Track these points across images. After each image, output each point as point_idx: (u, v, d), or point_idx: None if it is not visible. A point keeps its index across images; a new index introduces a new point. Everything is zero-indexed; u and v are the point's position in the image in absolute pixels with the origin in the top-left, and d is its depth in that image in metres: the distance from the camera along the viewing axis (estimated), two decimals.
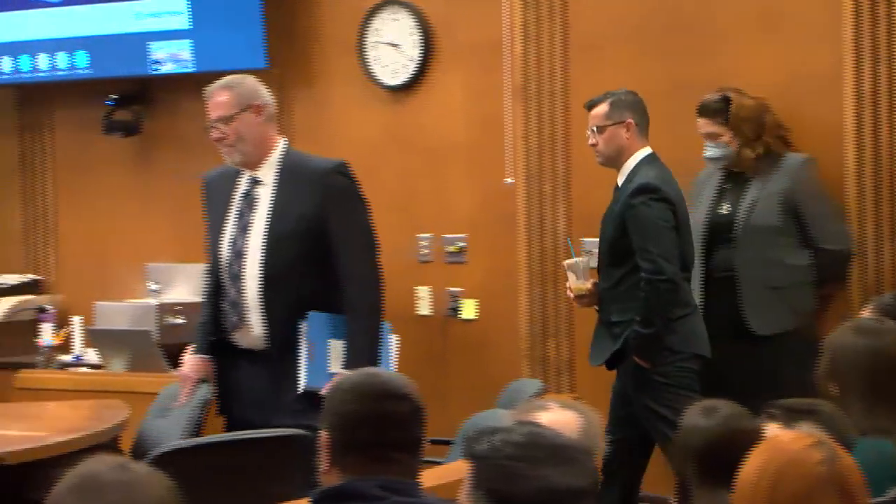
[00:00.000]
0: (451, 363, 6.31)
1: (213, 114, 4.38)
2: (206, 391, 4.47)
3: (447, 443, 4.70)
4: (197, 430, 4.60)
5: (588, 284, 4.97)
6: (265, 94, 4.42)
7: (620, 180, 4.97)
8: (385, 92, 6.45)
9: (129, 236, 7.07)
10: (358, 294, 4.27)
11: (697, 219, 5.21)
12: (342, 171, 4.42)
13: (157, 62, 6.75)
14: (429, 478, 2.88)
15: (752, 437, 2.63)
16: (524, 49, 6.07)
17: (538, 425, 2.22)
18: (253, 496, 3.78)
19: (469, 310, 6.28)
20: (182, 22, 6.68)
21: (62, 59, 6.98)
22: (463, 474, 2.09)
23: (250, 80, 4.47)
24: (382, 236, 6.37)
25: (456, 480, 3.33)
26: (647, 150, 4.96)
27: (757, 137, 5.24)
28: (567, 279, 5.02)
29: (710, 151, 5.27)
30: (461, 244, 6.31)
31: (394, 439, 2.50)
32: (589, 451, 2.14)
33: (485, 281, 6.26)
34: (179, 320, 6.30)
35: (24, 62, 7.06)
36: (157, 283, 6.69)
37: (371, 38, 6.46)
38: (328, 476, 2.51)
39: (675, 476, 2.95)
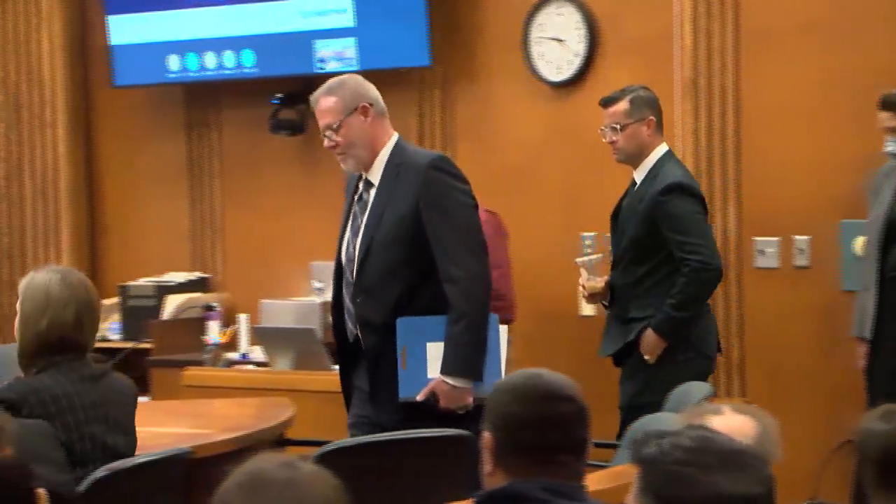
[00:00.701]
0: None
1: (322, 122, 4.30)
2: None
3: (612, 446, 4.61)
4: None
5: (601, 283, 4.99)
6: (370, 92, 4.30)
7: (639, 177, 4.97)
8: (549, 88, 6.37)
9: (294, 235, 7.11)
10: (457, 295, 4.10)
11: (875, 216, 5.03)
12: (437, 166, 4.22)
13: (322, 60, 6.77)
14: (594, 481, 2.82)
15: None
16: (694, 42, 5.93)
17: (709, 429, 2.13)
18: (416, 496, 3.75)
19: None
20: (347, 20, 6.69)
21: (229, 58, 7.05)
22: (629, 478, 2.04)
23: (353, 81, 4.36)
24: (544, 235, 6.35)
25: (622, 484, 3.25)
26: (665, 147, 4.99)
27: None
28: (580, 276, 5.09)
29: (892, 146, 5.09)
30: None
31: (558, 441, 2.46)
32: (763, 458, 2.05)
33: None
34: None
35: (192, 61, 7.15)
36: (321, 281, 6.71)
37: (535, 33, 6.38)
38: (492, 478, 2.48)
39: (851, 482, 2.83)
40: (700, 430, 2.10)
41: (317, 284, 6.74)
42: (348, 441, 3.86)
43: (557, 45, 6.33)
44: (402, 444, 3.89)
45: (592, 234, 6.26)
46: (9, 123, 7.56)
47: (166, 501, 3.58)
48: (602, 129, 5.05)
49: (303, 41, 6.79)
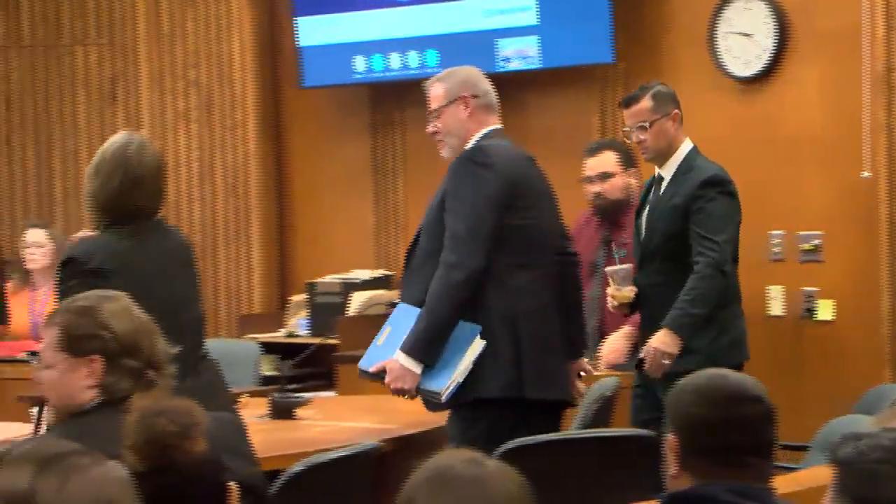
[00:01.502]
0: (805, 366, 6.06)
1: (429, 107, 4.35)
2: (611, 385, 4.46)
3: (801, 448, 4.51)
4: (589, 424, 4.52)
5: (631, 293, 4.75)
6: (479, 85, 4.31)
7: (668, 174, 4.76)
8: (736, 83, 6.26)
9: None
10: (433, 284, 4.07)
11: None
12: (464, 155, 4.19)
13: (504, 59, 6.77)
14: (782, 484, 2.78)
15: None
16: (886, 34, 5.76)
17: None
18: (597, 496, 3.72)
19: (826, 311, 6.01)
20: (530, 18, 6.68)
21: (413, 58, 7.10)
22: (819, 481, 2.01)
23: (464, 72, 4.40)
24: None
25: (812, 487, 3.19)
26: (690, 142, 4.83)
27: None
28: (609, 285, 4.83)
29: None
30: (816, 241, 6.05)
31: (745, 443, 2.43)
32: None
33: (842, 281, 5.98)
34: None
35: (377, 62, 7.22)
36: None
37: (722, 28, 6.28)
38: (676, 480, 2.45)
39: None
40: None
41: None
42: (530, 439, 3.85)
43: (745, 39, 6.21)
44: (583, 442, 3.87)
45: (780, 232, 6.14)
46: (201, 123, 7.75)
47: (357, 496, 3.62)
48: (626, 130, 4.86)
49: (486, 40, 6.80)
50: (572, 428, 4.41)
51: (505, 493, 1.84)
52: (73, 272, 3.76)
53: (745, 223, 6.14)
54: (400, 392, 4.08)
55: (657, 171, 4.86)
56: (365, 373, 4.16)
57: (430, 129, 4.33)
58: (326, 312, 7.00)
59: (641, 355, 4.53)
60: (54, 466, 1.82)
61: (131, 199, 3.88)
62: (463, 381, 4.01)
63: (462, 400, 4.03)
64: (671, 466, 2.45)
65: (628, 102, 4.86)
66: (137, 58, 7.79)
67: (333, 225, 7.61)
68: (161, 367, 2.84)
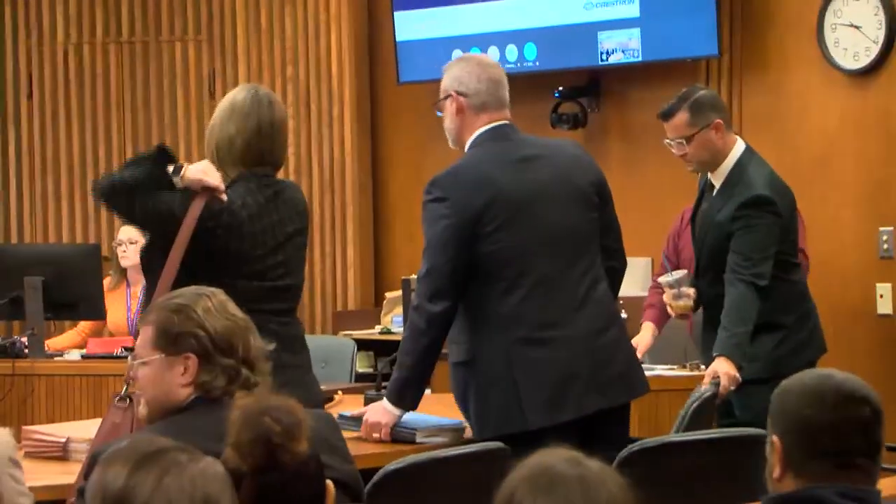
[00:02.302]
0: None
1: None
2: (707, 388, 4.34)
3: None
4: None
5: (690, 302, 4.60)
6: (467, 82, 4.01)
7: (718, 181, 4.54)
8: (845, 77, 6.09)
9: None
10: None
11: None
12: (425, 189, 4.00)
13: (606, 52, 6.66)
14: (889, 486, 2.75)
15: None
16: None
17: None
18: (705, 497, 3.63)
19: None
20: (632, 10, 6.56)
21: (511, 52, 7.02)
22: None
23: (454, 66, 4.13)
24: (840, 228, 6.08)
25: None
26: (740, 144, 4.56)
27: None
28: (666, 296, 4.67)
29: None
30: None
31: (857, 445, 2.37)
32: None
33: None
34: (622, 315, 6.15)
35: None
36: None
37: (830, 20, 6.11)
38: (780, 483, 2.39)
39: None
40: None
41: None
42: (648, 441, 3.75)
43: (854, 31, 6.04)
44: (695, 444, 3.80)
45: (890, 228, 5.97)
46: (298, 120, 7.74)
47: (454, 495, 3.54)
48: (667, 143, 4.65)
49: (586, 33, 6.69)
50: (672, 431, 4.31)
51: (608, 494, 1.83)
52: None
53: (855, 219, 6.00)
54: (375, 427, 3.93)
55: (709, 175, 4.66)
56: (344, 418, 4.03)
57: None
58: None
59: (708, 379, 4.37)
60: (151, 463, 1.86)
61: (270, 142, 3.81)
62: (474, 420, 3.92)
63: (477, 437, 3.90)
64: (775, 469, 2.40)
65: (665, 116, 4.63)
66: (236, 54, 7.81)
67: None
68: (256, 366, 2.83)
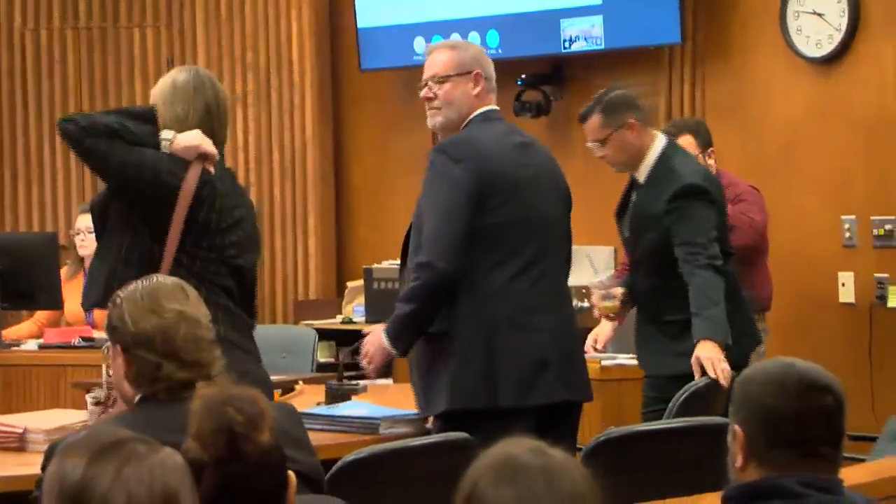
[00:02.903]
0: (876, 354, 5.88)
1: (427, 73, 4.09)
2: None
3: (871, 439, 4.38)
4: None
5: (617, 303, 4.60)
6: (488, 67, 4.05)
7: (642, 177, 4.52)
8: (808, 64, 6.08)
9: None
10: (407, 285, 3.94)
11: None
12: (441, 147, 3.98)
13: (568, 40, 6.63)
14: (851, 475, 2.73)
15: None
16: None
17: None
18: (671, 485, 3.61)
19: None
20: None
21: (473, 39, 6.95)
22: (890, 472, 1.89)
23: (476, 49, 4.19)
24: (803, 217, 6.08)
25: (882, 479, 3.09)
26: (660, 139, 4.53)
27: None
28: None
29: None
30: (889, 227, 5.89)
31: (821, 434, 2.36)
32: None
33: None
34: (584, 304, 6.15)
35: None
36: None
37: (794, 7, 6.11)
38: (742, 472, 2.38)
39: None
40: None
41: None
42: (614, 431, 3.74)
43: (817, 19, 6.04)
44: (660, 434, 3.81)
45: (853, 217, 5.97)
46: (258, 107, 7.68)
47: (412, 485, 3.52)
48: (588, 146, 4.65)
49: (549, 20, 6.67)
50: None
51: (571, 483, 1.82)
52: None
53: (818, 207, 6.00)
54: (371, 358, 3.96)
55: (631, 174, 4.64)
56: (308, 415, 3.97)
57: (425, 93, 4.06)
58: (383, 298, 6.90)
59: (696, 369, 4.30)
60: (110, 454, 1.85)
61: (219, 123, 3.77)
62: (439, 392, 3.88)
63: (434, 411, 3.89)
64: (737, 458, 2.39)
65: (581, 119, 4.63)
66: (195, 40, 7.75)
67: (392, 210, 7.52)
68: (186, 363, 2.77)
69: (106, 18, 7.77)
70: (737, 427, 2.38)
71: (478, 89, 4.02)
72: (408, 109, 7.50)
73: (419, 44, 7.16)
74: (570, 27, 6.62)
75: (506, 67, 6.88)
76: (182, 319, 2.78)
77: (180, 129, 3.73)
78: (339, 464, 3.30)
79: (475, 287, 3.86)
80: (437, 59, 4.07)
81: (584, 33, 6.58)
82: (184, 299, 2.82)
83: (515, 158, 3.98)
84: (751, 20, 6.28)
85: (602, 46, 6.53)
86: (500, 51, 6.91)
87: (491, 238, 3.88)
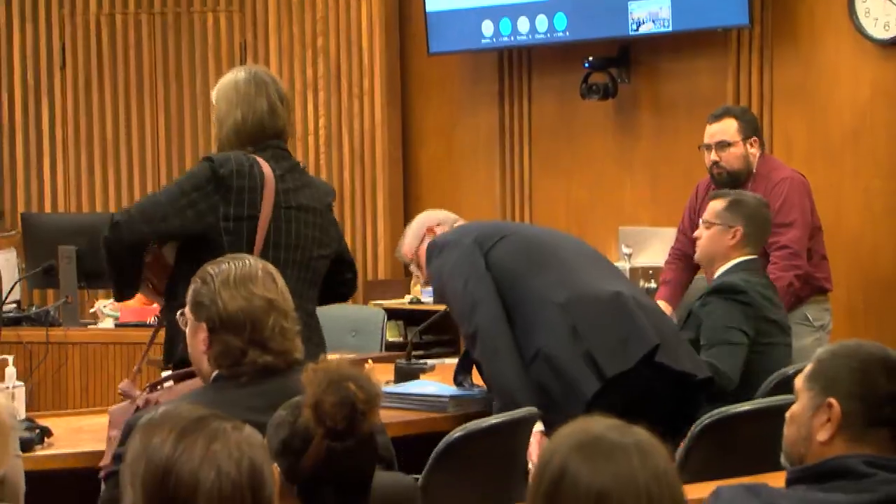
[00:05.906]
0: None
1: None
2: None
3: None
4: None
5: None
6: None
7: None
8: (876, 47, 6.04)
9: (604, 199, 7.03)
10: None
11: None
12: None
13: (636, 22, 6.64)
14: None
15: None
16: None
17: None
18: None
19: None
20: None
21: (541, 22, 7.00)
22: None
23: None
24: (869, 201, 6.05)
25: None
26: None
27: None
28: None
29: None
30: None
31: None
32: None
33: None
34: (651, 284, 6.17)
35: (505, 26, 7.13)
36: (629, 246, 6.60)
37: None
38: (827, 446, 2.37)
39: None
40: None
41: (625, 249, 6.64)
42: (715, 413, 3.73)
43: (884, 1, 5.99)
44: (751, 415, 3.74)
45: None
46: (328, 92, 7.75)
47: (488, 465, 3.55)
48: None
49: (616, 3, 6.66)
50: None
51: (664, 461, 1.81)
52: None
53: (884, 191, 5.96)
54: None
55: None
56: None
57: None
58: None
59: None
60: (197, 431, 1.86)
61: (280, 119, 3.81)
62: None
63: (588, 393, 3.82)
64: (819, 432, 2.37)
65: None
66: (267, 25, 7.81)
67: (459, 193, 7.57)
68: (271, 351, 2.79)
69: (180, 3, 7.86)
70: (833, 401, 2.37)
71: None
72: (475, 94, 7.54)
73: (487, 27, 7.19)
74: (637, 9, 6.62)
75: (573, 50, 6.96)
76: (272, 309, 2.79)
77: (237, 134, 3.78)
78: (443, 443, 3.34)
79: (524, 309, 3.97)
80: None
81: (652, 15, 6.58)
82: (273, 288, 2.82)
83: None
84: (818, 2, 6.24)
85: (670, 29, 6.52)
86: (567, 33, 6.93)
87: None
